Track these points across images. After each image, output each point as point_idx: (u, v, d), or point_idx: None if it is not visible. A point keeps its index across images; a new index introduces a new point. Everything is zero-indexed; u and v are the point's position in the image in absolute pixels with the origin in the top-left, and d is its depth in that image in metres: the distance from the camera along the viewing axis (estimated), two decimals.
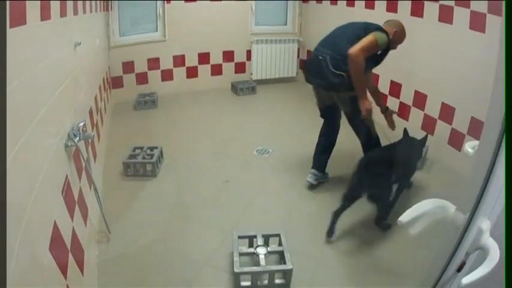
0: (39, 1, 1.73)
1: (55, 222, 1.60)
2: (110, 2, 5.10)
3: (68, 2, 2.42)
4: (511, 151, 0.81)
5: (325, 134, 3.29)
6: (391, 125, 3.25)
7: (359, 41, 2.64)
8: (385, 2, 4.41)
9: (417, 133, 3.90)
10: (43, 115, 1.65)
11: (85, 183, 2.49)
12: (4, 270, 0.90)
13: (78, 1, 2.87)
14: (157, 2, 5.51)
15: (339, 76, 2.72)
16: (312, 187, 3.28)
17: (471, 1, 3.28)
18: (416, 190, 3.24)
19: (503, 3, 0.71)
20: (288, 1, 6.38)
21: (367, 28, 2.76)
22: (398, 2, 4.19)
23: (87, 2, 3.28)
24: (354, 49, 2.59)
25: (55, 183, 1.77)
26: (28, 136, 1.41)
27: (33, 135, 1.47)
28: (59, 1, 2.17)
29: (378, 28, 2.78)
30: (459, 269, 1.00)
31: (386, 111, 3.26)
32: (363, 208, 2.78)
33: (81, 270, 1.92)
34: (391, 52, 2.94)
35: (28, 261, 1.23)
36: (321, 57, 2.79)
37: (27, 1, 1.53)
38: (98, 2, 4.19)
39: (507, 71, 0.74)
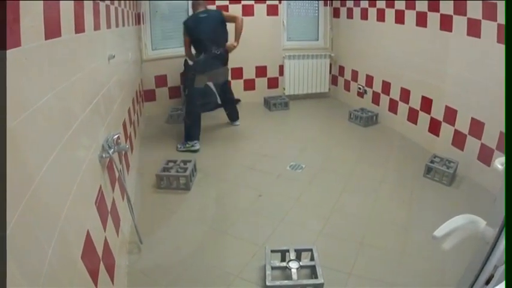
0: (73, 14, 1.77)
1: (88, 231, 1.62)
2: (142, 16, 5.23)
3: (101, 15, 2.48)
4: (511, 152, 0.83)
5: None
6: None
7: None
8: (415, 16, 4.35)
9: (448, 150, 3.89)
10: (77, 126, 1.68)
11: (118, 194, 2.52)
12: (4, 270, 0.90)
13: (111, 14, 2.94)
14: None
15: None
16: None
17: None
18: (447, 206, 3.19)
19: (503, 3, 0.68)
20: (319, 16, 6.35)
21: None
22: (428, 16, 4.13)
23: (119, 15, 3.36)
24: None
25: (89, 193, 1.79)
26: (63, 146, 1.43)
27: (67, 146, 1.49)
28: (92, 15, 2.22)
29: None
30: (487, 282, 1.01)
31: None
32: None
33: (112, 279, 1.93)
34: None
35: (60, 267, 1.23)
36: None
37: (61, 14, 1.57)
38: (130, 15, 4.29)
39: (507, 72, 0.73)
